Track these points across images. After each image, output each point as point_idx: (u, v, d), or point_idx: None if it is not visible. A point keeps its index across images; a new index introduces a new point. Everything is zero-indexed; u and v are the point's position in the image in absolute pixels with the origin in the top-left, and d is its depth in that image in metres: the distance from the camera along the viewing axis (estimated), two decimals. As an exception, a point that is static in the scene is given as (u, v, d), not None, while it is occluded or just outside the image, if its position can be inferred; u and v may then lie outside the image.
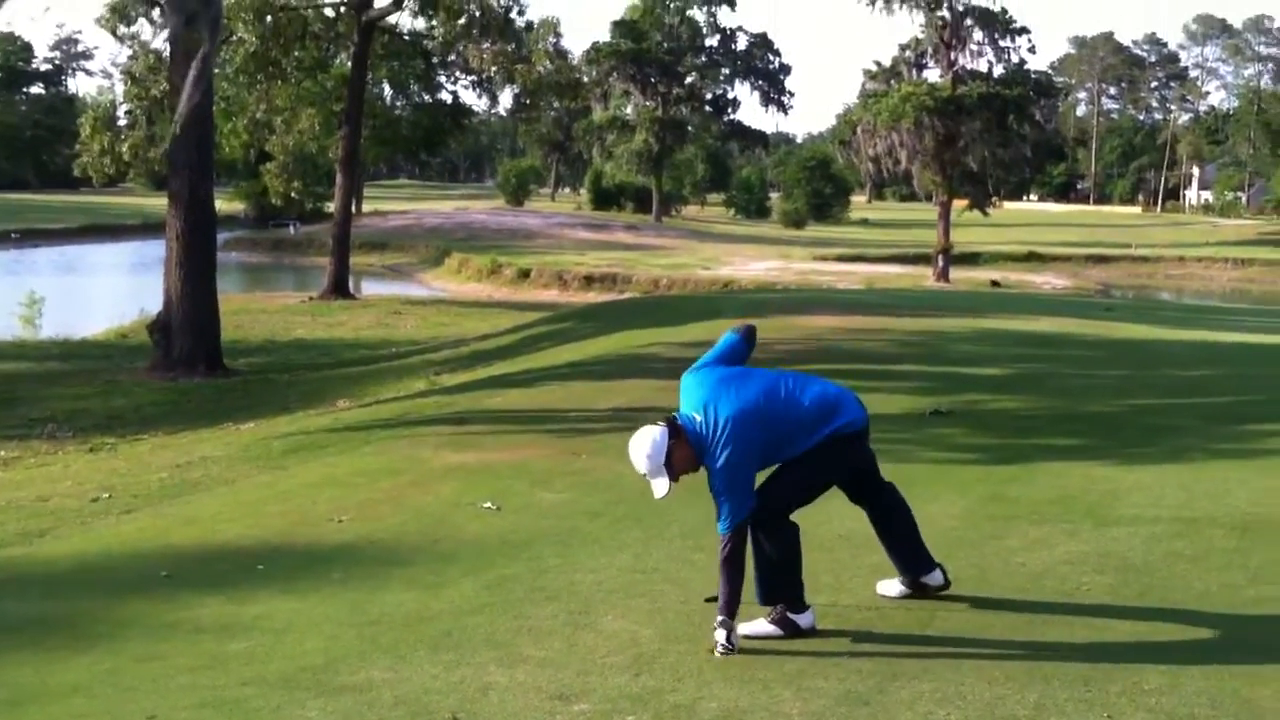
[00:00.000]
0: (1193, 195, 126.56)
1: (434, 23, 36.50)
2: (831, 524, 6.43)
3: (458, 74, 39.25)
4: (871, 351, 14.47)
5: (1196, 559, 6.21)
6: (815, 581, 5.39)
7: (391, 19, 36.99)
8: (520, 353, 19.22)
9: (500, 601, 5.82)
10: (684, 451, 4.80)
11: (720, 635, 4.87)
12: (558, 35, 41.34)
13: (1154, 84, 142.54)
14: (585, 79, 77.11)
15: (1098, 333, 16.76)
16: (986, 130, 43.43)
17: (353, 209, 43.38)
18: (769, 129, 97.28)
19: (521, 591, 5.97)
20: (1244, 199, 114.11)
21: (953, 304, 23.15)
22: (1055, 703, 4.40)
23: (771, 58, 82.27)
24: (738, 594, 4.88)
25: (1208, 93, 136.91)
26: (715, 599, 4.95)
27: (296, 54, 34.83)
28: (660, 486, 4.78)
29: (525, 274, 48.44)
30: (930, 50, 45.16)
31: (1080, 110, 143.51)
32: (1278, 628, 5.22)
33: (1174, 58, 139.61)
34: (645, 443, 4.79)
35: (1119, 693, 4.48)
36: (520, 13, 38.26)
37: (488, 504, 7.87)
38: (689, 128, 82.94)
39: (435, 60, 38.54)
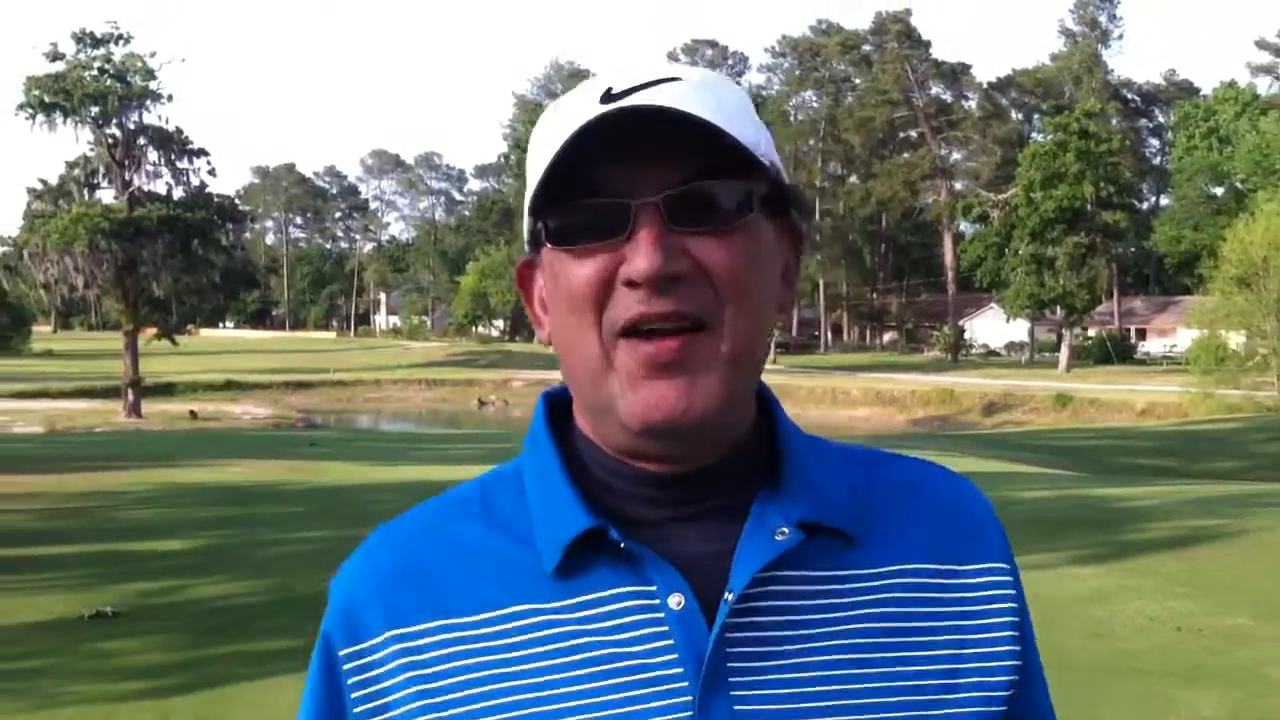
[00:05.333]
0: (382, 320, 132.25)
1: None
2: None
3: None
4: (18, 529, 11.36)
5: None
6: None
7: None
8: None
9: None
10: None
11: None
12: None
13: (338, 214, 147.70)
14: None
15: (302, 478, 14.96)
16: (170, 255, 40.65)
17: None
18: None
19: None
20: (429, 322, 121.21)
21: (138, 448, 20.26)
22: None
23: (-77, 174, 73.06)
24: None
25: (388, 223, 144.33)
26: None
27: None
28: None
29: None
30: (103, 169, 41.64)
31: (270, 238, 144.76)
32: None
33: (355, 190, 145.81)
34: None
35: None
36: None
37: None
38: None
39: None
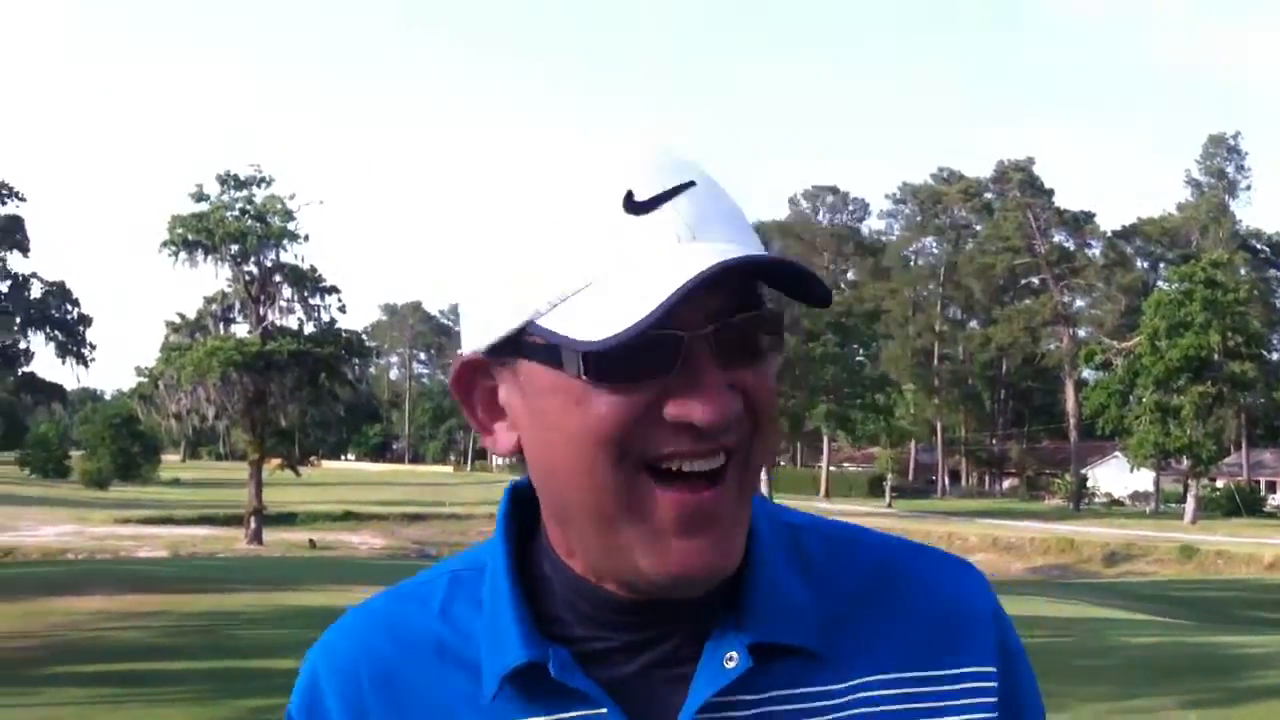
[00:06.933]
0: (499, 457, 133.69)
1: None
2: None
3: None
4: (139, 644, 11.82)
5: None
6: None
7: None
8: None
9: None
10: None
11: None
12: None
13: (460, 352, 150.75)
14: None
15: (412, 605, 15.23)
16: (298, 388, 42.06)
17: None
18: (71, 382, 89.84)
19: None
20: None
21: (259, 573, 20.81)
22: None
23: (70, 308, 76.58)
24: None
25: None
26: None
27: None
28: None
29: None
30: (238, 304, 43.43)
31: (394, 373, 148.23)
32: None
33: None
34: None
35: None
36: None
37: None
38: (-27, 380, 74.60)
39: None
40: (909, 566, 0.98)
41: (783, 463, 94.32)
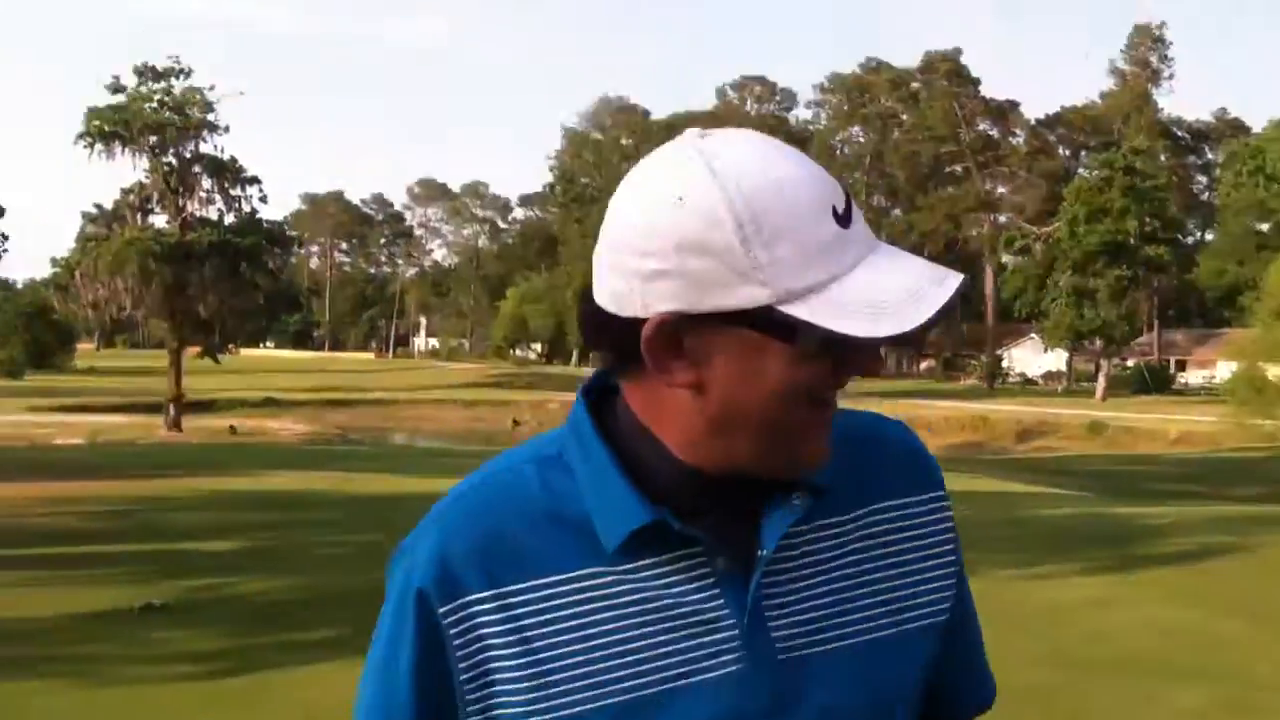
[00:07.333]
0: (421, 342, 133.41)
1: None
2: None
3: None
4: (70, 529, 11.86)
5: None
6: None
7: None
8: None
9: None
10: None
11: None
12: None
13: (383, 240, 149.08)
14: None
15: (339, 488, 15.40)
16: (218, 278, 41.57)
17: None
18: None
19: None
20: (467, 345, 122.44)
21: (182, 459, 20.82)
22: None
23: (-22, 195, 74.61)
24: None
25: (431, 249, 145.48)
26: None
27: None
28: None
29: None
30: (157, 195, 42.59)
31: (314, 263, 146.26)
32: None
33: (400, 217, 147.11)
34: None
35: None
36: None
37: None
38: (-123, 269, 72.65)
39: None
40: (868, 426, 1.30)
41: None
